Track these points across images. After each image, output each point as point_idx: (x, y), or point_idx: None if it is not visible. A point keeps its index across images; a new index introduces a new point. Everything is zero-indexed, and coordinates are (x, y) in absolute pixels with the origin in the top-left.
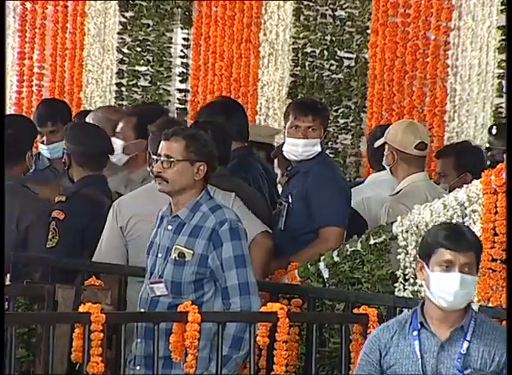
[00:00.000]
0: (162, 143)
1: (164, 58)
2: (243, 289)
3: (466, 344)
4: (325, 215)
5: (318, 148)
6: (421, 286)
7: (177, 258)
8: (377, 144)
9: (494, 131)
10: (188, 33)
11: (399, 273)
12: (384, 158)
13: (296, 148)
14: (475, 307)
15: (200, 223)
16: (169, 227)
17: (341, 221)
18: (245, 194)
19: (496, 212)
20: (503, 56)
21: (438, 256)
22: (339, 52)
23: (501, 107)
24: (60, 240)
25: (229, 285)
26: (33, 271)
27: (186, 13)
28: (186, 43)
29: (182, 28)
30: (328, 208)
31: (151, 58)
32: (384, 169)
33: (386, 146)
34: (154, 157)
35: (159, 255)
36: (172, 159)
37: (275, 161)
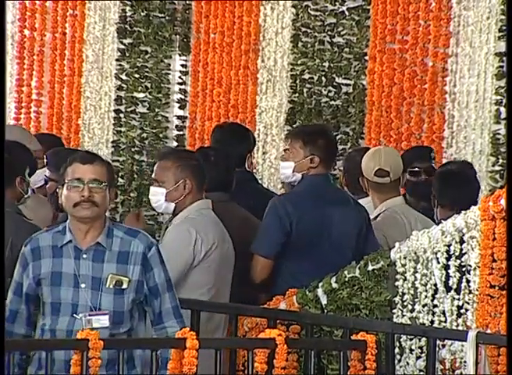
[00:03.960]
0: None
1: (162, 85)
2: (176, 312)
3: None
4: (256, 242)
5: (289, 172)
6: (419, 312)
7: (116, 288)
8: None
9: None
10: (186, 60)
11: (397, 299)
12: None
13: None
14: (473, 333)
15: (124, 248)
16: (84, 256)
17: (266, 251)
18: (237, 219)
19: (494, 239)
20: (501, 83)
21: None
22: (337, 79)
23: (498, 133)
24: None
25: (164, 309)
26: None
27: (185, 40)
28: (184, 69)
29: (180, 55)
30: (260, 236)
31: (149, 85)
32: (364, 194)
33: None
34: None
35: (82, 285)
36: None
37: None
